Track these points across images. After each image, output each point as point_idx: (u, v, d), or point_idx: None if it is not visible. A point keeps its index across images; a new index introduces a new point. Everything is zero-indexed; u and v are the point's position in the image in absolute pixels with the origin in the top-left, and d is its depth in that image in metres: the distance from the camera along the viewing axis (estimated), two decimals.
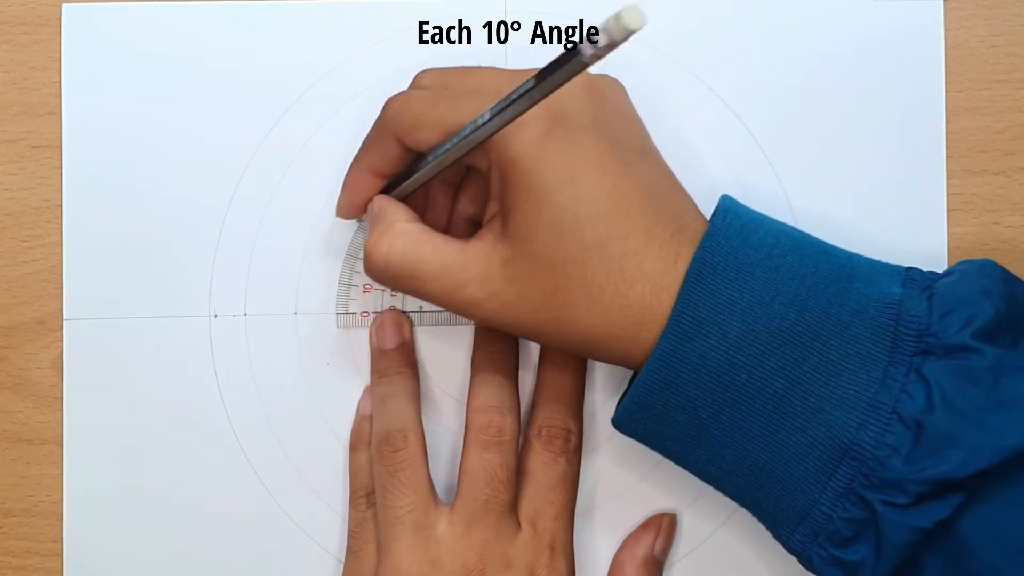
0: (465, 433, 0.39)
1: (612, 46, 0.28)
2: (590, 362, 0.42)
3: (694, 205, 0.37)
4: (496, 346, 0.41)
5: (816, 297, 0.34)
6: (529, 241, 0.35)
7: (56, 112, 0.42)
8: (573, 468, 0.40)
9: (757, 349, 0.34)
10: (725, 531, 0.41)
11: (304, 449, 0.42)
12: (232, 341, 0.42)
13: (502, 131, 0.34)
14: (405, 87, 0.42)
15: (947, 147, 0.42)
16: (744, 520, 0.42)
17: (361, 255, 0.42)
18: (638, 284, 0.34)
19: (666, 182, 0.37)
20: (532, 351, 0.42)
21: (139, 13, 0.42)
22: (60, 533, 0.42)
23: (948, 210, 0.42)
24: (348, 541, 0.41)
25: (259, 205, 0.42)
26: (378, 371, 0.41)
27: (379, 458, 0.39)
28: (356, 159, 0.40)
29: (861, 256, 0.36)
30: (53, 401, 0.42)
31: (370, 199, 0.39)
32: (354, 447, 0.41)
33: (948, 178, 0.42)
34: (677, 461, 0.37)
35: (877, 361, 0.33)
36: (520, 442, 0.40)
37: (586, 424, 0.41)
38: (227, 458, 0.42)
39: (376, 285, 0.42)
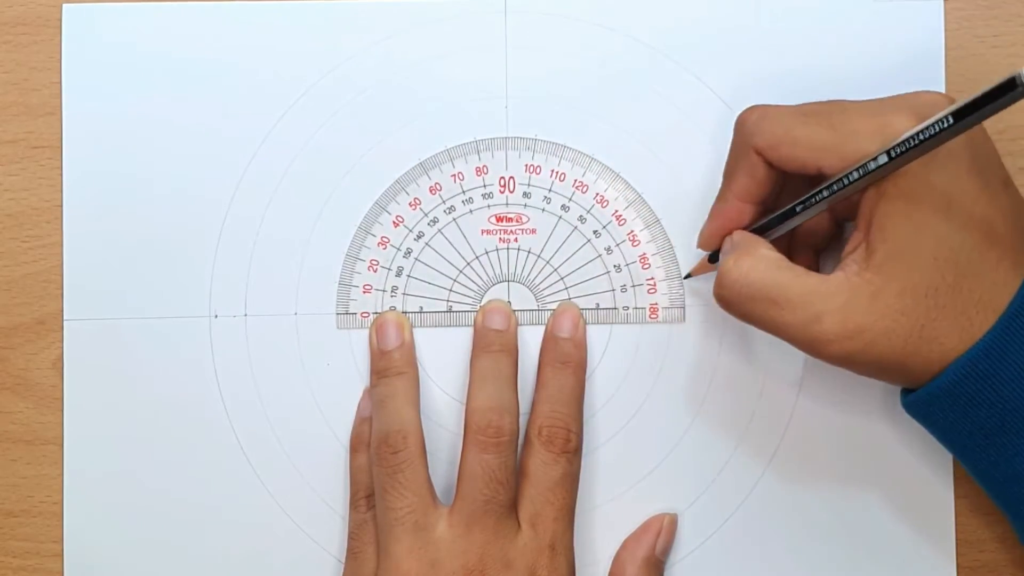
0: (464, 434, 0.39)
1: None
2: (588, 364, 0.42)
3: None
4: (495, 348, 0.41)
5: None
6: (905, 271, 0.34)
7: (56, 112, 0.42)
8: (573, 468, 0.40)
9: None
10: (726, 531, 0.41)
11: (304, 449, 0.42)
12: (232, 341, 0.42)
13: (878, 144, 0.33)
14: (405, 87, 0.42)
15: None
16: (744, 520, 0.42)
17: (362, 255, 0.42)
18: (996, 315, 0.34)
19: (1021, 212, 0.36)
20: (532, 351, 0.42)
21: (139, 13, 0.42)
22: (60, 533, 0.42)
23: None
24: (348, 542, 0.41)
25: (259, 205, 0.42)
26: (377, 372, 0.41)
27: (378, 459, 0.39)
28: (723, 188, 0.38)
29: None
30: (53, 401, 0.42)
31: (735, 229, 0.38)
32: (354, 448, 0.41)
33: None
34: (961, 455, 0.36)
35: None
36: (520, 442, 0.40)
37: (586, 424, 0.41)
38: (227, 458, 0.42)
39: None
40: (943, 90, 0.42)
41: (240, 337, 0.42)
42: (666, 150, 0.42)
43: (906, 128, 0.33)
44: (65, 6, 0.42)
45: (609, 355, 0.42)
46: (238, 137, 0.42)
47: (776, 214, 0.37)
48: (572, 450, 0.40)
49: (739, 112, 0.37)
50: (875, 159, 0.33)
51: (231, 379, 0.42)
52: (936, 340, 0.34)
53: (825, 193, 0.35)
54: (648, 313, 0.42)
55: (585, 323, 0.42)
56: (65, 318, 0.42)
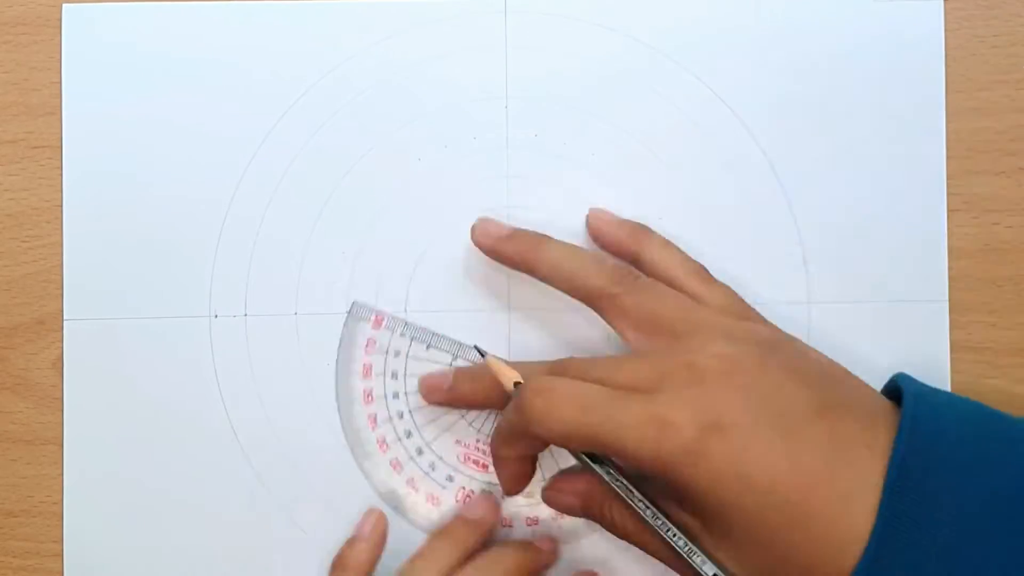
0: None
1: None
2: None
3: (879, 408, 0.35)
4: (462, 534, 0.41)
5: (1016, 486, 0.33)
6: (723, 536, 0.34)
7: (56, 112, 0.42)
8: None
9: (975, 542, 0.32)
10: None
11: (304, 449, 0.42)
12: (232, 341, 0.42)
13: (658, 456, 0.33)
14: (405, 87, 0.42)
15: (947, 147, 0.42)
16: None
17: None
18: (853, 547, 0.33)
19: (848, 422, 0.34)
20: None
21: (139, 13, 0.42)
22: (60, 533, 0.42)
23: (948, 210, 0.42)
24: None
25: (259, 205, 0.42)
26: (336, 564, 0.41)
27: None
28: (498, 447, 0.38)
29: None
30: (53, 401, 0.42)
31: (528, 480, 0.38)
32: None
33: (948, 178, 0.42)
34: None
35: None
36: None
37: None
38: (227, 458, 0.42)
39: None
40: (943, 90, 0.42)
41: (240, 337, 0.42)
42: (666, 150, 0.42)
43: (683, 430, 0.33)
44: (65, 6, 0.42)
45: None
46: (238, 137, 0.42)
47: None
48: None
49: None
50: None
51: (231, 379, 0.42)
52: (795, 569, 0.34)
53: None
54: None
55: (496, 519, 0.42)
56: (65, 318, 0.42)
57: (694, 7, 0.42)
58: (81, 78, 0.42)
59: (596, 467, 0.36)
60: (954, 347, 0.42)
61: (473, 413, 0.42)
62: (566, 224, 0.42)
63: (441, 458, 0.42)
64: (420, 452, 0.42)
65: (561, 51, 0.42)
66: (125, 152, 0.42)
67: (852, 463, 0.33)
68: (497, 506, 0.41)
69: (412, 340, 0.42)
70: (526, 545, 0.41)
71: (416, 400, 0.42)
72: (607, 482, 0.36)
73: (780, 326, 0.39)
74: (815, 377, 0.36)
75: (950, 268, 0.42)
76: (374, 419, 0.42)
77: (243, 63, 0.42)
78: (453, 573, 0.39)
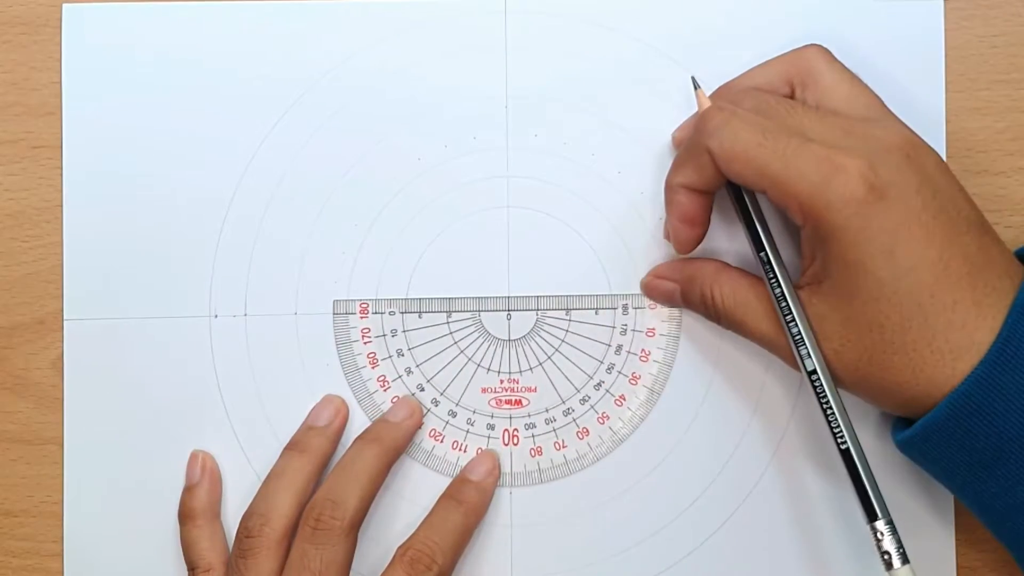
0: None
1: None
2: None
3: (1011, 257, 0.36)
4: (370, 437, 0.41)
5: None
6: (846, 305, 0.35)
7: (56, 112, 0.42)
8: None
9: None
10: (724, 532, 0.41)
11: None
12: (232, 341, 0.42)
13: (821, 194, 0.34)
14: (405, 87, 0.42)
15: (947, 147, 0.42)
16: (743, 522, 0.42)
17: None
18: (967, 354, 0.34)
19: (997, 251, 0.36)
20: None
21: (139, 13, 0.42)
22: (60, 533, 0.42)
23: None
24: None
25: (259, 205, 0.42)
26: (290, 442, 0.41)
27: (236, 537, 0.39)
28: (671, 175, 0.39)
29: None
30: (53, 401, 0.42)
31: (695, 220, 0.39)
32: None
33: None
34: (959, 491, 0.36)
35: None
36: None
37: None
38: (227, 458, 0.42)
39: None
40: (943, 90, 0.42)
41: (240, 337, 0.42)
42: (666, 150, 0.42)
43: (849, 181, 0.34)
44: (65, 6, 0.42)
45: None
46: (238, 136, 0.42)
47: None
48: None
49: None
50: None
51: (231, 379, 0.42)
52: (888, 371, 0.35)
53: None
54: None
55: (499, 475, 0.42)
56: (65, 318, 0.42)
57: (694, 7, 0.42)
58: (81, 78, 0.42)
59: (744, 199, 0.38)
60: None
61: (489, 358, 0.42)
62: (566, 224, 0.42)
63: (475, 411, 0.42)
64: (454, 415, 0.42)
65: (561, 51, 0.42)
66: (125, 152, 0.42)
67: (990, 282, 0.34)
68: (343, 407, 0.42)
69: (403, 314, 0.42)
70: (381, 428, 0.41)
71: (431, 368, 0.42)
72: (743, 223, 0.38)
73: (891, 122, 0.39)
74: (971, 199, 0.37)
75: None
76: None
77: (243, 63, 0.42)
78: (311, 483, 0.40)
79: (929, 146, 0.37)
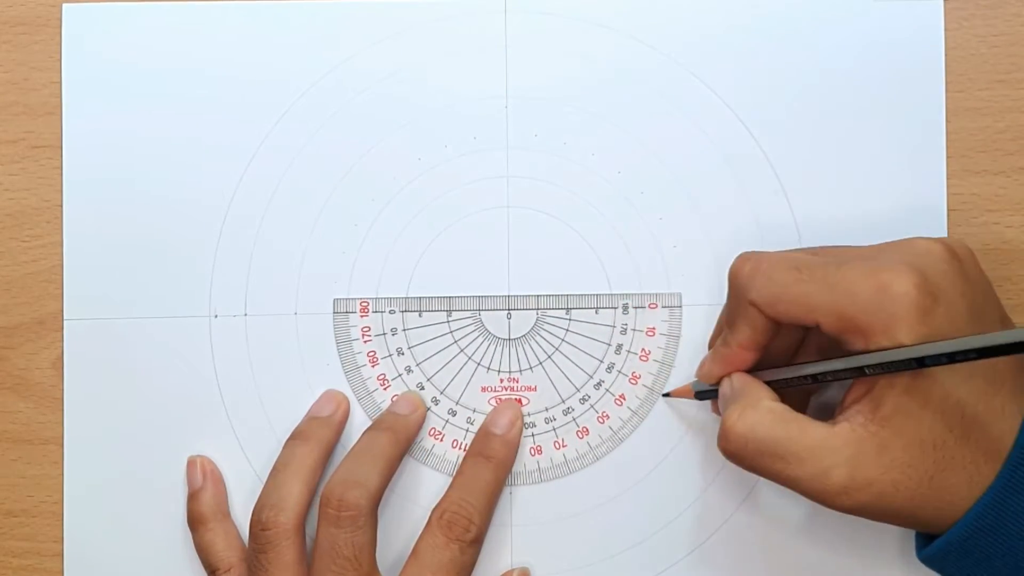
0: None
1: None
2: None
3: None
4: (383, 426, 0.41)
5: None
6: (913, 425, 0.33)
7: (56, 112, 0.42)
8: (465, 558, 0.39)
9: None
10: (724, 532, 0.41)
11: None
12: (232, 341, 0.42)
13: (878, 310, 0.33)
14: (405, 87, 0.42)
15: (947, 147, 0.42)
16: (743, 522, 0.42)
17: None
18: (997, 464, 0.33)
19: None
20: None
21: (139, 13, 0.42)
22: (60, 533, 0.42)
23: (948, 210, 0.42)
24: None
25: (259, 205, 0.42)
26: (293, 433, 0.41)
27: (250, 533, 0.39)
28: (725, 333, 0.38)
29: None
30: (53, 401, 0.42)
31: (739, 371, 0.38)
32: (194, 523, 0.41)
33: (948, 178, 0.42)
34: None
35: None
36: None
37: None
38: (227, 458, 0.42)
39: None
40: (943, 90, 0.42)
41: (240, 337, 0.42)
42: (666, 150, 0.42)
43: (905, 290, 0.33)
44: (65, 6, 0.42)
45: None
46: (239, 136, 0.42)
47: (785, 376, 0.37)
48: (468, 540, 0.39)
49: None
50: (900, 359, 0.33)
51: (231, 379, 0.42)
52: (947, 489, 0.33)
53: (843, 373, 0.34)
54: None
55: (523, 425, 0.42)
56: (65, 318, 0.42)
57: (694, 7, 0.42)
58: (81, 78, 0.42)
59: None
60: None
61: (488, 356, 0.42)
62: (566, 224, 0.42)
63: (475, 410, 0.42)
64: (453, 413, 0.42)
65: (561, 51, 0.42)
66: (125, 152, 0.42)
67: (1014, 391, 0.34)
68: (344, 400, 0.42)
69: (403, 313, 0.42)
70: (391, 418, 0.41)
71: (431, 367, 0.42)
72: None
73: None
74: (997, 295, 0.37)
75: None
76: None
77: (243, 62, 0.42)
78: (318, 471, 0.40)
79: (960, 241, 0.36)
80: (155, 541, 0.42)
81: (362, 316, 0.42)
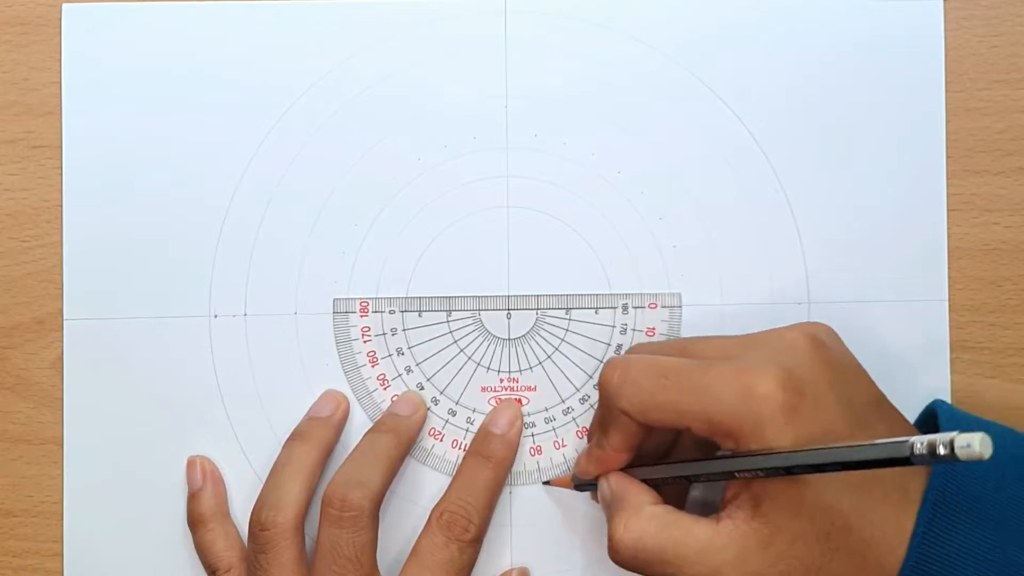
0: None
1: (944, 460, 0.27)
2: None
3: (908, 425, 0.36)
4: (384, 428, 0.41)
5: None
6: (794, 520, 0.33)
7: (56, 112, 0.42)
8: (464, 557, 0.39)
9: None
10: None
11: None
12: (232, 341, 0.42)
13: (746, 414, 0.33)
14: (405, 87, 0.42)
15: (947, 147, 0.42)
16: None
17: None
18: (899, 550, 0.33)
19: (900, 423, 0.36)
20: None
21: (139, 13, 0.42)
22: (60, 533, 0.42)
23: (948, 210, 0.42)
24: None
25: (259, 204, 0.42)
26: (292, 434, 0.41)
27: (248, 534, 0.39)
28: (596, 438, 0.38)
29: None
30: (53, 401, 0.42)
31: (611, 471, 0.38)
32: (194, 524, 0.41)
33: (948, 178, 0.42)
34: None
35: None
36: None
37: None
38: (227, 458, 0.42)
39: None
40: (943, 90, 0.42)
41: (240, 337, 0.42)
42: (666, 150, 0.42)
43: (769, 391, 0.32)
44: (65, 6, 0.42)
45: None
46: (238, 136, 0.42)
47: (661, 475, 0.37)
48: (468, 540, 0.39)
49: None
50: (768, 467, 0.32)
51: (231, 379, 0.42)
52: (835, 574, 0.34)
53: (715, 476, 0.35)
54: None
55: (522, 425, 0.42)
56: (65, 318, 0.42)
57: (694, 7, 0.42)
58: (81, 78, 0.42)
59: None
60: (954, 347, 0.42)
61: (488, 356, 0.42)
62: (566, 224, 0.42)
63: (475, 410, 0.42)
64: (453, 413, 0.42)
65: (561, 51, 0.42)
66: (125, 152, 0.42)
67: (900, 502, 0.34)
68: (344, 400, 0.42)
69: (403, 312, 0.42)
70: (392, 419, 0.41)
71: (430, 367, 0.42)
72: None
73: (780, 326, 0.39)
74: (866, 372, 0.36)
75: (950, 268, 0.42)
76: None
77: (243, 62, 0.42)
78: (318, 471, 0.40)
79: (822, 325, 0.36)
80: (155, 541, 0.42)
81: (362, 316, 0.42)
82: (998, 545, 0.33)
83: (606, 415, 0.37)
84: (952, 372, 0.42)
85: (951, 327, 0.42)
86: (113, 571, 0.42)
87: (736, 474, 0.33)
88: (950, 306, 0.42)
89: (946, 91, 0.42)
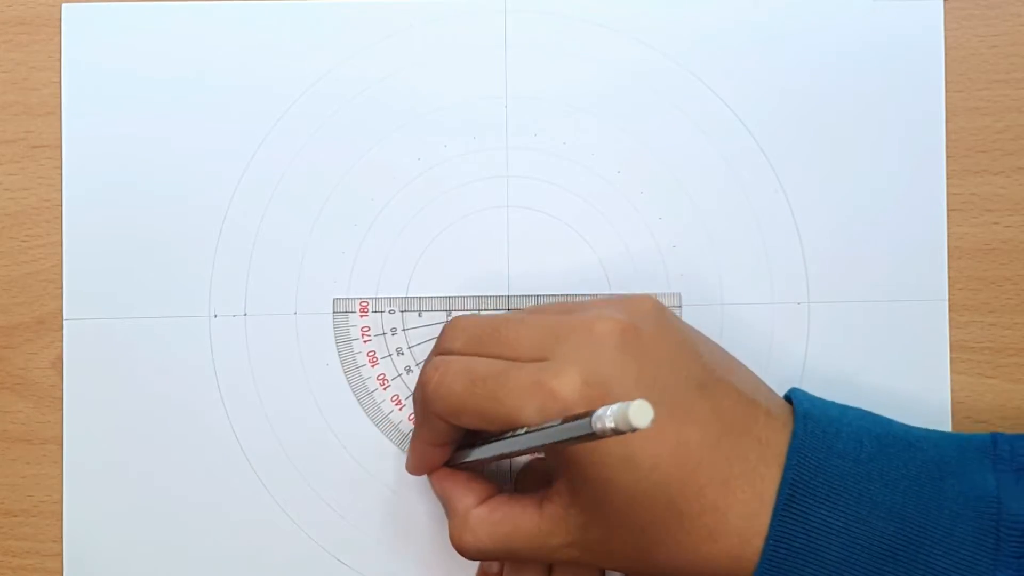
0: None
1: (618, 433, 0.27)
2: None
3: (770, 408, 0.35)
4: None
5: (912, 503, 0.33)
6: (600, 515, 0.34)
7: (56, 112, 0.42)
8: None
9: (858, 572, 0.33)
10: None
11: (304, 449, 0.42)
12: (232, 341, 0.42)
13: (547, 415, 0.33)
14: (405, 87, 0.42)
15: (947, 147, 0.42)
16: None
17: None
18: (722, 540, 0.33)
19: (733, 403, 0.35)
20: None
21: (139, 13, 0.42)
22: (60, 533, 0.42)
23: (948, 210, 0.42)
24: None
25: (259, 204, 0.42)
26: None
27: None
28: (415, 431, 0.39)
29: (943, 436, 0.35)
30: (53, 401, 0.42)
31: (436, 466, 0.39)
32: None
33: (948, 178, 0.42)
34: None
35: (983, 567, 0.32)
36: None
37: None
38: (227, 458, 0.42)
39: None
40: (943, 90, 0.42)
41: (240, 337, 0.42)
42: (666, 150, 0.42)
43: (569, 397, 0.32)
44: (65, 6, 0.42)
45: None
46: (238, 136, 0.42)
47: (481, 457, 0.37)
48: None
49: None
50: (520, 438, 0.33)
51: (231, 379, 0.42)
52: (656, 566, 0.34)
53: (487, 451, 0.36)
54: None
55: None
56: (65, 318, 0.42)
57: (694, 7, 0.42)
58: (81, 78, 0.42)
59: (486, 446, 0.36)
60: (954, 347, 0.42)
61: None
62: (565, 224, 0.42)
63: None
64: None
65: (561, 51, 0.42)
66: (125, 151, 0.42)
67: (742, 455, 0.34)
68: None
69: (403, 312, 0.42)
70: None
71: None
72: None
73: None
74: (703, 348, 0.36)
75: (950, 268, 0.42)
76: (398, 400, 0.42)
77: (243, 62, 0.42)
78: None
79: (642, 302, 0.36)
80: (155, 541, 0.42)
81: (362, 316, 0.42)
82: (861, 519, 0.33)
83: (423, 414, 0.37)
84: (952, 372, 0.42)
85: (951, 327, 0.42)
86: (113, 571, 0.42)
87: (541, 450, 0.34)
88: (950, 306, 0.42)
89: (946, 91, 0.42)
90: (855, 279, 0.42)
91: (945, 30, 0.42)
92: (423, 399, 0.37)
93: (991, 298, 0.42)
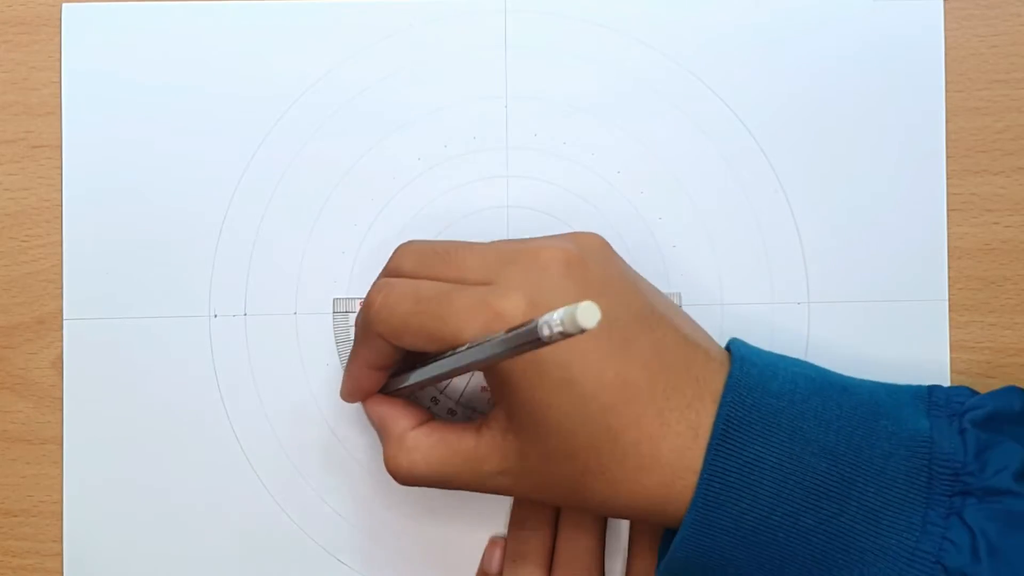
0: None
1: (565, 336, 0.26)
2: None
3: (708, 350, 0.35)
4: (526, 531, 0.40)
5: (845, 442, 0.33)
6: (537, 440, 0.34)
7: (56, 112, 0.42)
8: None
9: (791, 507, 0.33)
10: None
11: (304, 449, 0.42)
12: (232, 341, 0.42)
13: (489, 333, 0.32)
14: (404, 87, 0.42)
15: (947, 147, 0.42)
16: None
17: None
18: (655, 472, 0.33)
19: (672, 340, 0.35)
20: None
21: (139, 13, 0.42)
22: (60, 533, 0.42)
23: (948, 210, 0.42)
24: None
25: (259, 205, 0.42)
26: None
27: None
28: (353, 353, 0.38)
29: (880, 385, 0.36)
30: (53, 401, 0.42)
31: (371, 391, 0.39)
32: None
33: (948, 178, 0.42)
34: None
35: (915, 504, 0.33)
36: None
37: None
38: (227, 458, 0.42)
39: None
40: (943, 90, 0.42)
41: (239, 337, 0.42)
42: (666, 150, 0.42)
43: (513, 318, 0.32)
44: (65, 6, 0.42)
45: None
46: (238, 136, 0.42)
47: (418, 380, 0.37)
48: None
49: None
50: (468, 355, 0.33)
51: (231, 379, 0.42)
52: (592, 492, 0.34)
53: (427, 372, 0.36)
54: None
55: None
56: (65, 318, 0.42)
57: (695, 8, 0.42)
58: (81, 78, 0.42)
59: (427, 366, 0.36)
60: (954, 347, 0.42)
61: None
62: (565, 224, 0.42)
63: (475, 410, 0.42)
64: (453, 413, 0.42)
65: (561, 51, 0.42)
66: (125, 151, 0.42)
67: (680, 390, 0.34)
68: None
69: None
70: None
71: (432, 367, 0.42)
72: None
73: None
74: (646, 288, 0.36)
75: (950, 268, 0.42)
76: None
77: (243, 62, 0.42)
78: None
79: (589, 238, 0.36)
80: (155, 541, 0.42)
81: None
82: (795, 456, 0.33)
83: (363, 335, 0.37)
84: (952, 372, 0.42)
85: (951, 327, 0.42)
86: (113, 571, 0.42)
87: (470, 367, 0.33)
88: (950, 306, 0.42)
89: (946, 91, 0.42)
90: (855, 279, 0.42)
91: (945, 30, 0.42)
92: (365, 319, 0.36)
93: (991, 298, 0.42)
